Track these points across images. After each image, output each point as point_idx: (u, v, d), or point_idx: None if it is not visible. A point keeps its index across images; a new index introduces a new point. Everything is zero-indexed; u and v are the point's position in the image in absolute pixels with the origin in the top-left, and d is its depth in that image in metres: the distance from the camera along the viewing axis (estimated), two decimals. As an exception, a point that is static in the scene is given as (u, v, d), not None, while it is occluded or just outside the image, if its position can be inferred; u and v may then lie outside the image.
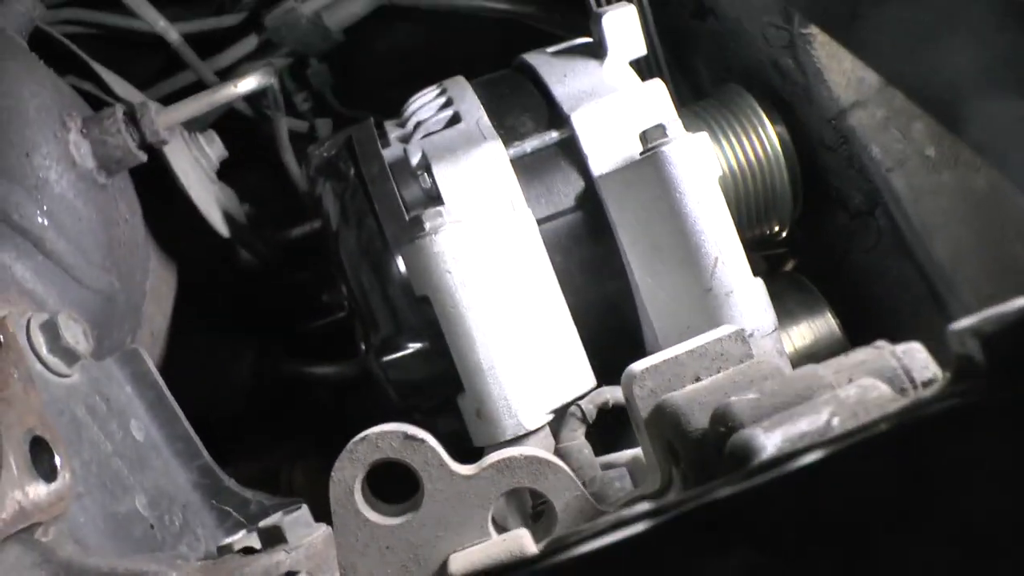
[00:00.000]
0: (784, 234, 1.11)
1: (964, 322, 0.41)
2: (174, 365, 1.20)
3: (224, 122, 1.50)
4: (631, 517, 0.38)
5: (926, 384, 0.52)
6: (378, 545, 0.64)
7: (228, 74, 1.46)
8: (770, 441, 0.44)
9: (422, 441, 0.63)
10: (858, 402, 0.45)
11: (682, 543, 0.37)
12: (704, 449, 0.56)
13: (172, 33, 1.22)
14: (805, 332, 1.05)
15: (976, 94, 0.51)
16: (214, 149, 1.19)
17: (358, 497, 0.64)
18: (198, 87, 1.39)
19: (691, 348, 0.64)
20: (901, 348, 0.53)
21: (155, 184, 1.13)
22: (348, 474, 0.64)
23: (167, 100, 1.31)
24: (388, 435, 0.63)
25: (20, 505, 0.66)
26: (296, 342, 1.43)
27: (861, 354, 0.54)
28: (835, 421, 0.44)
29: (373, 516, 0.65)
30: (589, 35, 1.02)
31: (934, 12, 0.50)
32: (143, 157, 0.98)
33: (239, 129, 1.55)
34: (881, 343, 0.54)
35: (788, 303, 1.06)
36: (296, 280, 1.50)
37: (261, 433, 1.34)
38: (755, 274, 0.88)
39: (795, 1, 0.58)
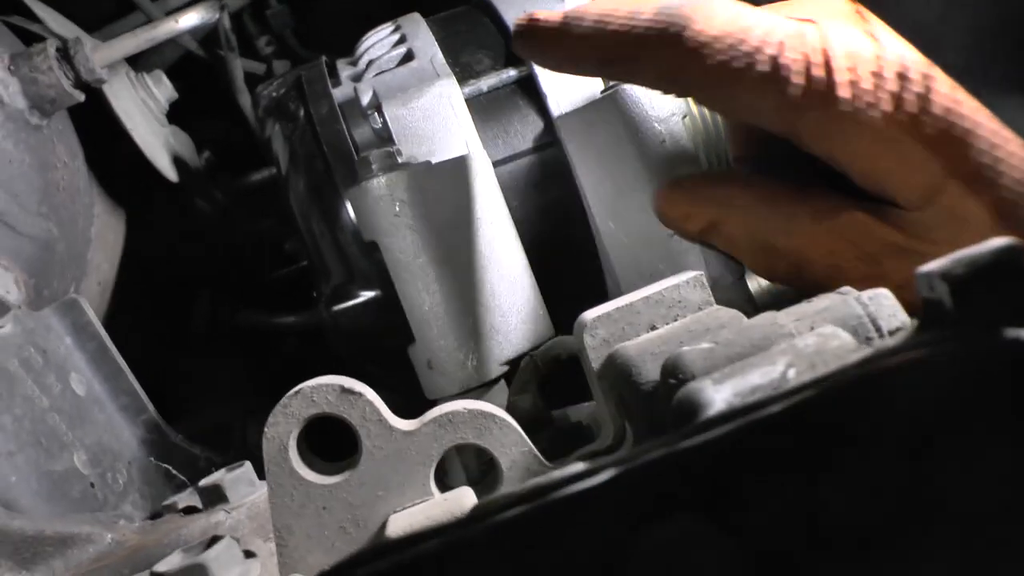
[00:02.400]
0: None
1: (933, 264, 0.37)
2: (125, 315, 1.16)
3: (181, 64, 1.44)
4: (559, 480, 0.34)
5: (893, 333, 0.48)
6: (315, 505, 0.60)
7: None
8: (719, 395, 0.40)
9: (359, 395, 0.59)
10: (816, 352, 0.41)
11: (614, 509, 0.33)
12: (655, 403, 0.52)
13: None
14: (775, 278, 1.01)
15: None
16: (162, 90, 1.14)
17: (292, 455, 0.60)
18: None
19: (647, 295, 0.60)
20: (868, 294, 0.49)
21: (100, 126, 1.08)
22: (282, 430, 0.60)
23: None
24: (323, 388, 0.59)
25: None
26: (257, 292, 1.38)
27: (825, 300, 0.50)
28: (791, 373, 0.40)
29: (309, 475, 0.61)
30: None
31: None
32: (79, 96, 0.93)
33: (196, 72, 1.50)
34: (847, 289, 0.51)
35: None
36: (257, 228, 1.45)
37: (216, 387, 1.30)
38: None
39: None
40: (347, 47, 1.47)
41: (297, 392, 0.59)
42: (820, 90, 0.63)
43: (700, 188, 0.77)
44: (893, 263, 0.67)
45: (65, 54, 0.90)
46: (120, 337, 1.03)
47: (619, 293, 0.84)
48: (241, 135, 1.45)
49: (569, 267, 0.86)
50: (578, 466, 0.35)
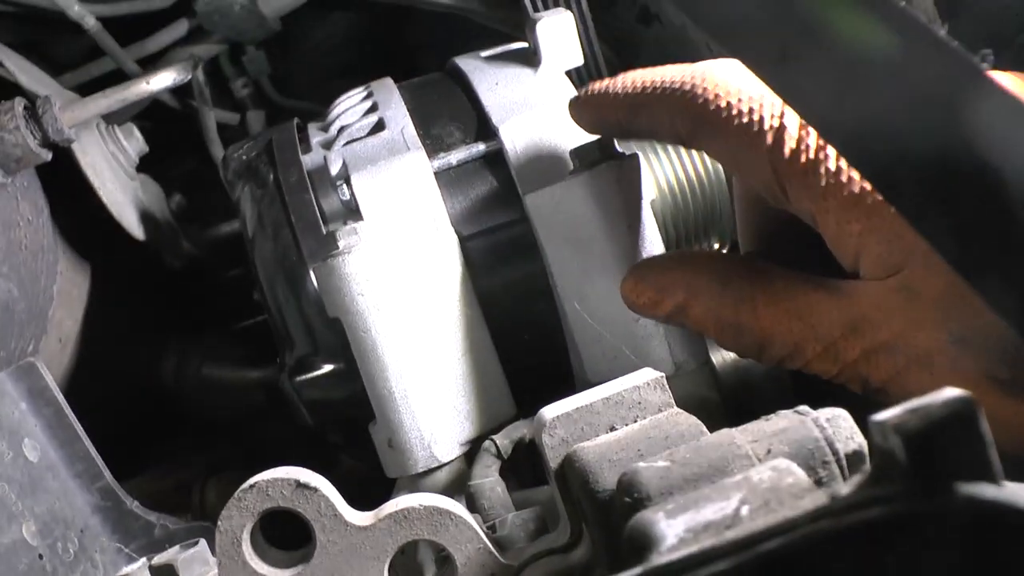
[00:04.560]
0: (725, 251, 1.07)
1: (888, 413, 0.37)
2: (87, 371, 1.14)
3: (151, 110, 1.43)
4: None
5: (849, 456, 0.48)
6: (267, 599, 0.59)
7: (155, 62, 1.39)
8: (672, 530, 0.40)
9: (315, 490, 0.58)
10: (771, 489, 0.41)
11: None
12: (611, 513, 0.52)
13: (89, 19, 1.15)
14: (740, 354, 1.01)
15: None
16: (132, 144, 1.13)
17: (246, 548, 0.59)
18: (122, 74, 1.33)
19: (607, 395, 0.60)
20: (826, 415, 0.49)
21: (65, 180, 1.07)
22: (236, 523, 0.59)
23: (89, 87, 1.25)
24: (279, 483, 0.58)
25: None
26: (223, 342, 1.37)
27: (783, 421, 0.49)
28: (744, 510, 0.40)
29: (262, 568, 0.60)
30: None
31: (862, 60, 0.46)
32: (46, 156, 0.92)
33: (167, 114, 1.49)
34: (804, 408, 0.50)
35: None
36: (225, 278, 1.44)
37: (180, 443, 1.28)
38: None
39: (723, 38, 0.54)
40: (321, 94, 1.47)
41: (252, 486, 0.58)
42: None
43: (664, 274, 0.77)
44: (847, 342, 0.68)
45: (33, 113, 0.89)
46: (80, 392, 1.01)
47: (583, 373, 0.84)
48: (211, 177, 1.45)
49: (534, 345, 0.86)
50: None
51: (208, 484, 1.08)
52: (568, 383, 0.86)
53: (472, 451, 0.80)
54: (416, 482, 0.79)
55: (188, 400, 1.30)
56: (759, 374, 1.00)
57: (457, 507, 0.60)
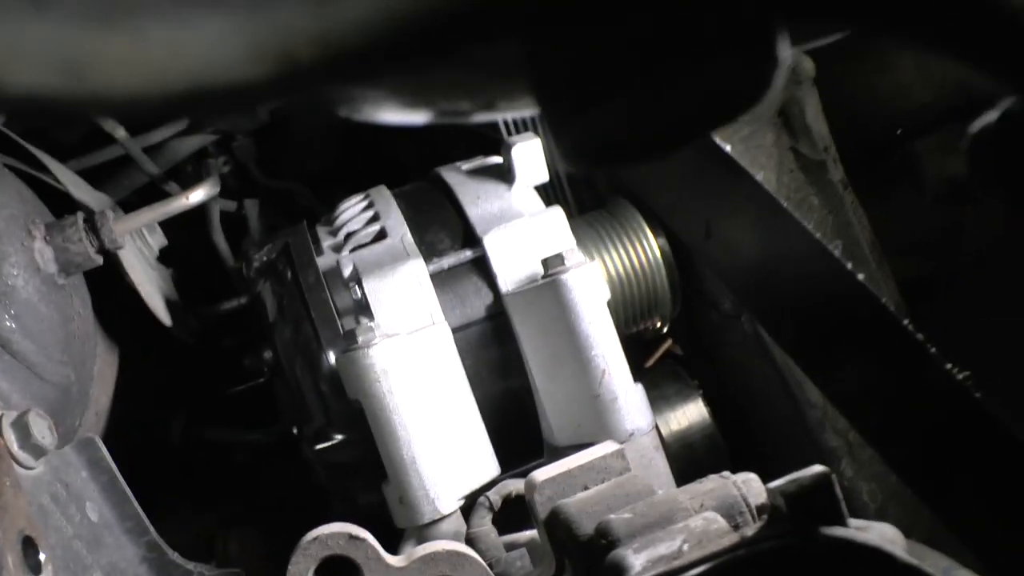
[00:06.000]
0: (665, 329, 1.28)
1: (777, 482, 0.57)
2: (113, 438, 1.31)
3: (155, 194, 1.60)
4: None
5: (759, 508, 0.68)
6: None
7: (157, 151, 1.55)
8: (637, 561, 0.59)
9: (363, 540, 0.77)
10: (703, 532, 0.60)
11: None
12: (590, 552, 0.71)
13: (120, 131, 1.33)
14: (680, 417, 1.22)
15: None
16: (155, 239, 1.31)
17: (309, 586, 0.78)
18: (126, 162, 1.48)
19: (581, 463, 0.79)
20: (741, 478, 0.69)
21: (101, 273, 1.24)
22: (302, 567, 0.77)
23: (95, 173, 1.42)
24: (335, 535, 0.76)
25: (18, 601, 0.77)
26: (218, 406, 1.54)
27: (711, 483, 0.70)
28: (685, 547, 0.60)
29: (321, 601, 0.78)
30: (498, 151, 1.17)
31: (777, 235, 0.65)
32: (99, 261, 1.09)
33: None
34: (727, 473, 0.71)
35: (667, 391, 1.24)
36: (219, 346, 1.61)
37: (187, 498, 1.44)
38: (640, 367, 1.04)
39: (658, 212, 0.73)
40: (304, 175, 1.68)
41: (315, 538, 0.77)
42: None
43: None
44: None
45: (92, 225, 1.06)
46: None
47: (552, 437, 1.04)
48: (208, 263, 1.62)
49: (512, 414, 1.06)
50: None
51: (231, 536, 1.25)
52: (538, 445, 1.06)
53: (466, 504, 0.99)
54: (422, 531, 0.98)
55: (193, 457, 1.46)
56: (698, 438, 1.22)
57: (469, 550, 0.79)
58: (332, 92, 0.32)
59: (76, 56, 0.24)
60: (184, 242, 1.68)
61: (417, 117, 0.42)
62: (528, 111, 0.41)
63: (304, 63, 0.25)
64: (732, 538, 0.58)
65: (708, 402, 1.24)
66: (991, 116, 0.84)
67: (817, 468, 0.57)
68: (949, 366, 0.67)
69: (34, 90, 0.25)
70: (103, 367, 1.23)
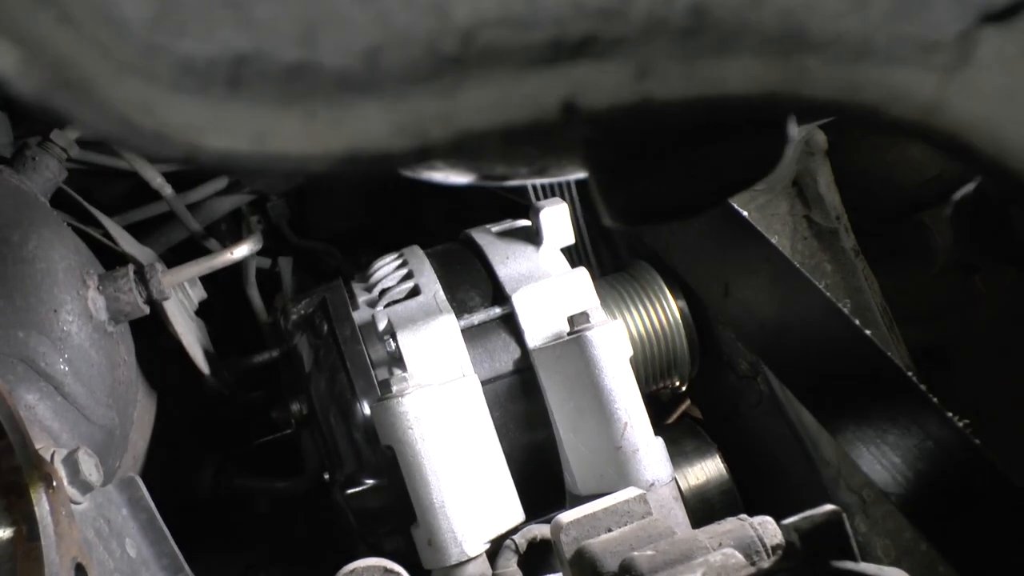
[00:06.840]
0: (684, 388, 1.33)
1: (791, 519, 0.62)
2: (145, 480, 1.36)
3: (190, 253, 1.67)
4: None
5: (774, 548, 0.72)
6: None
7: (199, 209, 1.62)
8: (661, 594, 0.64)
9: (399, 574, 0.81)
10: (722, 566, 0.65)
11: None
12: (614, 589, 0.75)
13: (167, 189, 1.40)
14: (699, 473, 1.26)
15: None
16: (196, 292, 1.37)
17: (345, 617, 0.82)
18: (168, 219, 1.55)
19: (605, 507, 0.84)
20: (757, 520, 0.74)
21: (143, 322, 1.30)
22: (339, 598, 0.81)
23: (137, 228, 1.49)
24: (372, 569, 0.81)
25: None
26: (246, 456, 1.59)
27: (729, 524, 0.74)
28: (706, 580, 0.64)
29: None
30: (526, 215, 1.23)
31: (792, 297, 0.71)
32: (147, 310, 1.15)
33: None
34: (744, 516, 0.75)
35: (685, 447, 1.28)
36: (248, 399, 1.66)
37: (215, 544, 1.49)
38: (660, 424, 1.08)
39: (680, 272, 0.79)
40: (331, 233, 1.74)
41: (352, 570, 0.81)
42: None
43: None
44: None
45: (142, 277, 1.13)
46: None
47: (575, 486, 1.08)
48: (242, 316, 1.68)
49: (537, 464, 1.10)
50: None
51: (259, 577, 1.29)
52: (561, 495, 1.11)
53: (492, 548, 1.03)
54: (449, 573, 1.02)
55: (223, 503, 1.51)
56: (715, 494, 1.26)
57: (497, 588, 0.83)
58: (453, 161, 0.38)
59: (261, 128, 0.30)
60: (218, 297, 1.75)
61: (468, 178, 0.48)
62: (574, 177, 0.47)
63: (434, 138, 0.32)
64: (749, 570, 0.62)
65: (724, 459, 1.28)
66: (969, 187, 0.94)
67: (828, 507, 0.61)
68: (954, 416, 0.72)
69: (228, 152, 0.31)
70: (142, 413, 1.29)
